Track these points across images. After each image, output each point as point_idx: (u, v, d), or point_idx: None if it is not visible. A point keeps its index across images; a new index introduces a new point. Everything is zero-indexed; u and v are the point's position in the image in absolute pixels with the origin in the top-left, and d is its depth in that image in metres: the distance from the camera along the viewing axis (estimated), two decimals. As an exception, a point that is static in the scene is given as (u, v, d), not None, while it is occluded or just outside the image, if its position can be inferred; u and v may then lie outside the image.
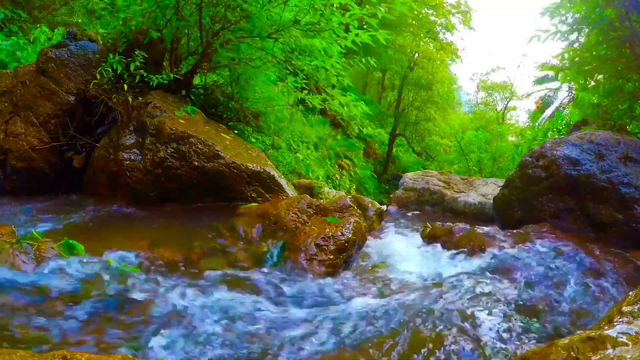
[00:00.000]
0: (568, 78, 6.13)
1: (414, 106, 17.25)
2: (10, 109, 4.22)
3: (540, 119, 18.51)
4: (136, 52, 4.22)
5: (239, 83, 5.29)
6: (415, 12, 13.75)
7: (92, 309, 2.11)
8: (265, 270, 2.81)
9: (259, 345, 1.96)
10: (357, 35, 4.54)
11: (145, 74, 4.23)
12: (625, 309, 1.69)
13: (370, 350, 1.91)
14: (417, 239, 3.86)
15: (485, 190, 6.44)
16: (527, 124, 20.37)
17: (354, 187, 11.66)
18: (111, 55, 4.24)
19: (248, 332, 2.06)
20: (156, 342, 1.90)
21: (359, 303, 2.47)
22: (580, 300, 2.58)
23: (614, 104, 5.80)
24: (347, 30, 4.70)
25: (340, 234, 3.03)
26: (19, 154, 4.05)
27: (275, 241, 3.11)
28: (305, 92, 5.49)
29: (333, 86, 5.83)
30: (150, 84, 4.27)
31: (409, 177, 7.08)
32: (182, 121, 4.12)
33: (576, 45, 5.52)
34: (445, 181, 6.86)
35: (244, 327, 2.11)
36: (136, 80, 4.24)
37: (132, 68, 4.18)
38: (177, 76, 4.55)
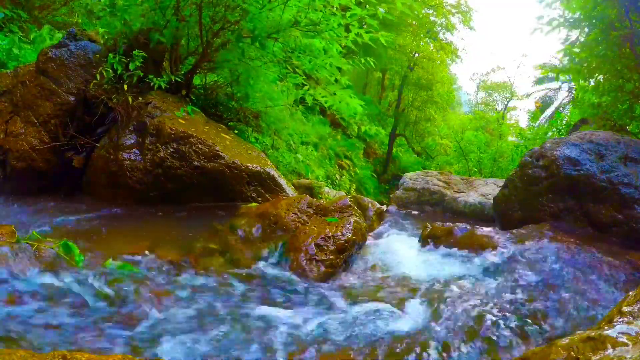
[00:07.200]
0: (568, 77, 6.13)
1: (414, 106, 17.22)
2: (10, 109, 4.22)
3: (540, 118, 18.53)
4: (135, 53, 4.22)
5: (239, 83, 5.29)
6: (415, 12, 13.74)
7: (91, 309, 2.11)
8: (265, 270, 2.81)
9: (256, 346, 1.96)
10: (357, 35, 4.53)
11: (142, 74, 4.23)
12: (625, 309, 1.68)
13: (369, 351, 1.90)
14: (416, 239, 3.86)
15: (485, 190, 6.44)
16: (527, 124, 20.39)
17: (354, 187, 11.66)
18: (111, 55, 4.24)
19: (246, 333, 2.07)
20: (153, 342, 1.90)
21: (359, 303, 2.47)
22: (580, 300, 2.58)
23: (614, 104, 5.80)
24: (347, 30, 4.70)
25: (340, 234, 3.03)
26: (19, 154, 4.05)
27: (275, 241, 3.11)
28: (306, 87, 5.48)
29: (336, 80, 5.82)
30: (151, 84, 4.27)
31: (409, 177, 7.07)
32: (182, 121, 4.12)
33: (577, 49, 5.52)
34: (445, 181, 6.86)
35: (242, 327, 2.11)
36: (134, 81, 4.24)
37: (131, 68, 4.18)
38: (178, 79, 4.56)
